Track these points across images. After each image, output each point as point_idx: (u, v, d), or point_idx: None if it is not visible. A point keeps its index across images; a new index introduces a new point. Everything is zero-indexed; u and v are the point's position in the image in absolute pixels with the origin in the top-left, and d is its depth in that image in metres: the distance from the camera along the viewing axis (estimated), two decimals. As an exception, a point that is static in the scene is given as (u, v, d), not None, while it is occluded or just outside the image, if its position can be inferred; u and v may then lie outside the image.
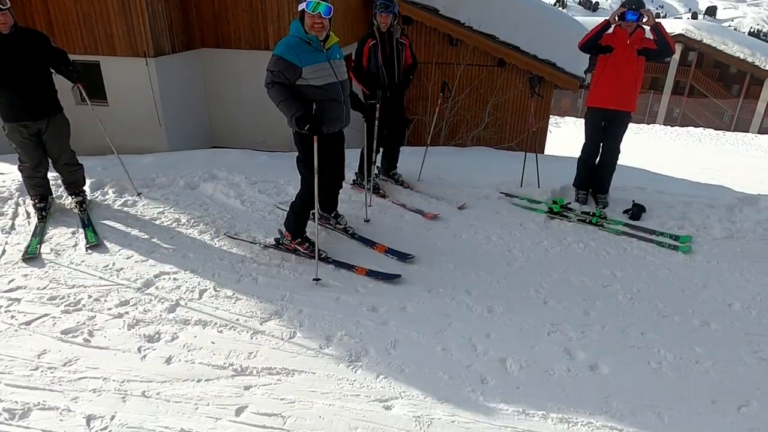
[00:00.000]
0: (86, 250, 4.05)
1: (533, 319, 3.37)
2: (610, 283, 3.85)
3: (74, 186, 4.65)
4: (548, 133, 10.22)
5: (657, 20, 4.47)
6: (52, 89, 4.33)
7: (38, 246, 4.04)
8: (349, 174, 5.04)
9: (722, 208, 4.89)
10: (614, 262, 4.16)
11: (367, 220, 4.67)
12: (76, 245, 4.12)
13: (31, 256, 3.90)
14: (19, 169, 4.44)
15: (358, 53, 4.87)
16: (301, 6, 3.44)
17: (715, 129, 24.81)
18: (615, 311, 3.51)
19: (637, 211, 4.80)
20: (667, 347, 3.13)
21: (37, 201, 4.46)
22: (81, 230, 4.31)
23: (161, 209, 4.74)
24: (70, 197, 4.68)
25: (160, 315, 3.30)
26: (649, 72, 30.39)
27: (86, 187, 4.78)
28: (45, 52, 4.21)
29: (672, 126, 25.66)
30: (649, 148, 18.51)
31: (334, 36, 3.65)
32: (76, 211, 4.57)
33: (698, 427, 2.57)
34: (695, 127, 25.21)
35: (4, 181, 5.02)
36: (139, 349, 2.99)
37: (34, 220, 4.41)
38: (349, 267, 3.89)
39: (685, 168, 13.69)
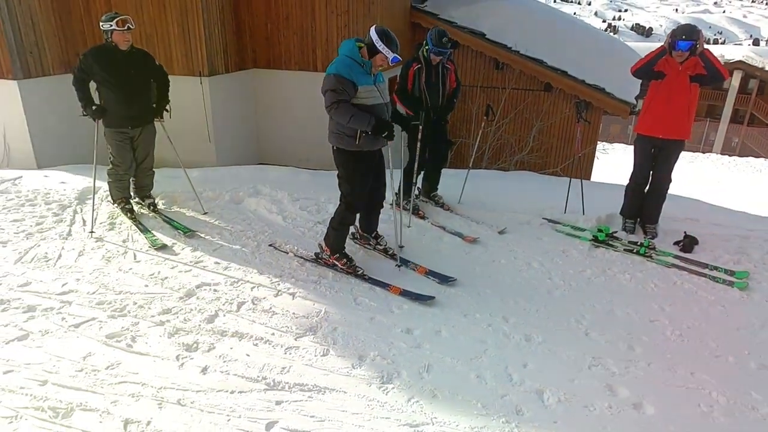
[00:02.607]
0: (185, 235, 4.59)
1: (573, 350, 3.24)
2: (658, 318, 3.66)
3: (145, 189, 5.11)
4: (595, 160, 9.96)
5: (705, 47, 4.29)
6: (151, 101, 4.82)
7: (155, 237, 4.50)
8: (389, 194, 5.06)
9: (784, 243, 4.60)
10: (663, 295, 3.96)
11: (402, 247, 4.38)
12: (125, 253, 4.30)
13: (161, 246, 4.38)
14: (109, 173, 4.89)
15: (403, 76, 4.95)
16: (383, 48, 3.55)
17: (778, 160, 23.44)
18: (662, 348, 3.32)
19: (688, 242, 4.58)
20: (720, 390, 2.92)
21: (124, 203, 4.95)
22: (169, 227, 4.76)
23: (206, 222, 4.89)
24: (141, 201, 5.10)
25: (199, 325, 3.38)
26: (706, 99, 29.25)
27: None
28: (151, 69, 4.75)
29: (730, 156, 24.46)
30: (704, 177, 17.69)
31: None
32: (151, 214, 4.98)
33: (753, 480, 2.38)
34: (755, 157, 23.93)
35: (65, 190, 5.33)
36: (177, 357, 3.06)
37: (88, 227, 4.65)
38: (384, 285, 3.87)
39: (745, 200, 12.98)
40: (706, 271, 4.26)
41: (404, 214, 5.04)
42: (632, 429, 2.64)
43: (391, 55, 3.57)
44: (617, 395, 2.88)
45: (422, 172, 5.36)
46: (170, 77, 4.91)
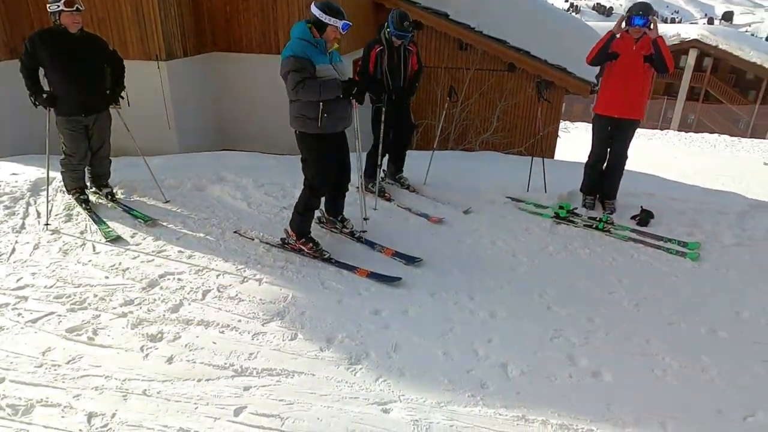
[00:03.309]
0: (146, 223, 4.48)
1: (536, 324, 3.34)
2: (616, 290, 3.80)
3: (103, 178, 4.93)
4: (558, 139, 10.15)
5: (659, 35, 4.40)
6: (104, 87, 4.62)
7: (109, 229, 4.35)
8: (355, 177, 5.05)
9: (733, 214, 4.82)
10: (620, 268, 4.11)
11: (366, 219, 4.59)
12: (83, 245, 4.17)
13: (115, 237, 4.24)
14: (62, 163, 4.68)
15: (364, 58, 4.90)
16: (330, 20, 3.52)
17: (731, 135, 24.44)
18: (620, 318, 3.46)
19: (645, 217, 4.75)
20: (673, 355, 3.08)
21: (79, 194, 4.76)
22: (129, 217, 4.62)
23: (168, 210, 4.78)
24: (99, 190, 4.92)
25: (164, 315, 3.33)
26: (664, 77, 30.06)
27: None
28: (104, 55, 4.53)
29: (686, 132, 25.32)
30: (662, 153, 18.30)
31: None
32: (109, 204, 4.82)
33: (702, 437, 2.52)
34: (710, 133, 24.86)
35: (16, 182, 5.10)
36: (141, 348, 3.02)
37: (43, 219, 4.48)
38: (351, 268, 3.89)
39: (699, 174, 13.51)
40: (660, 243, 4.43)
41: (370, 196, 5.05)
42: (591, 396, 2.76)
43: (340, 23, 3.53)
44: (577, 365, 3.00)
45: (387, 155, 5.37)
46: (126, 62, 4.73)
